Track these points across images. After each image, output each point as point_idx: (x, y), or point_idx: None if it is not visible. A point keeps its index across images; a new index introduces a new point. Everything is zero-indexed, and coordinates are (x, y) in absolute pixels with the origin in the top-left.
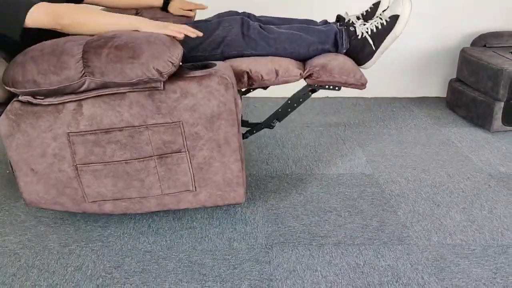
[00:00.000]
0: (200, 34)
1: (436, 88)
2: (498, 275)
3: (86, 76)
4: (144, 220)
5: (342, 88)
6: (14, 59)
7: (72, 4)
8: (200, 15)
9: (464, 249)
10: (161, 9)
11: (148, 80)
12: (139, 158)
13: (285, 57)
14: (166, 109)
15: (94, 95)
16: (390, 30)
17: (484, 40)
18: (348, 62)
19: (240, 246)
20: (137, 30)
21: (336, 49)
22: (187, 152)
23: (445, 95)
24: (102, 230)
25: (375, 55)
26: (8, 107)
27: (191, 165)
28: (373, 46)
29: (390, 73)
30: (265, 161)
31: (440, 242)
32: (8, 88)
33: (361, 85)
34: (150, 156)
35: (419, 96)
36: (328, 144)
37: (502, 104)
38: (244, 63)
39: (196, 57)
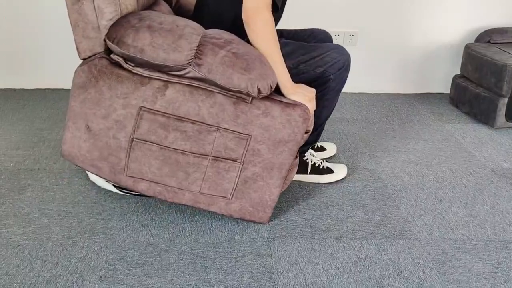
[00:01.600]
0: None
1: (439, 84)
2: (500, 269)
3: (191, 65)
4: (147, 213)
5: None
6: (127, 19)
7: (271, 22)
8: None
9: (465, 243)
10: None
11: (246, 93)
12: (196, 153)
13: (315, 113)
14: (243, 120)
15: (185, 82)
16: (320, 174)
17: (488, 36)
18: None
19: (242, 239)
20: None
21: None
22: (242, 163)
23: (448, 91)
24: (105, 223)
25: (296, 176)
26: (95, 61)
27: (239, 176)
28: (306, 170)
29: (394, 69)
30: None
31: (442, 237)
32: (109, 43)
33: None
34: (206, 155)
35: (423, 92)
36: (331, 139)
37: (506, 100)
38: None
39: (300, 70)
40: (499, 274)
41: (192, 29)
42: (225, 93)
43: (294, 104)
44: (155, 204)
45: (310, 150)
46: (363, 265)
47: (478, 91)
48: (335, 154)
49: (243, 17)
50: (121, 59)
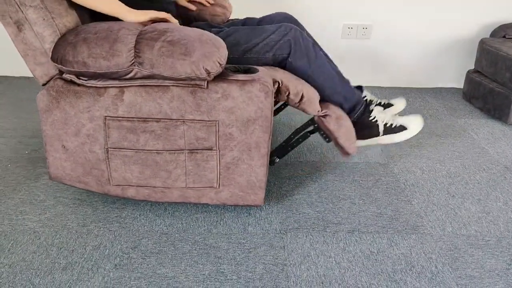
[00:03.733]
0: (174, 20)
1: (453, 79)
2: None
3: (135, 65)
4: (161, 203)
5: (358, 77)
6: (65, 37)
7: None
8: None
9: (478, 240)
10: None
11: (196, 78)
12: (171, 150)
13: (312, 84)
14: (205, 107)
15: (138, 84)
16: (393, 133)
17: (503, 31)
18: (352, 129)
19: (255, 231)
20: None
21: (349, 112)
22: (218, 150)
23: (462, 86)
24: (119, 212)
25: (367, 141)
26: (51, 83)
27: (219, 164)
28: (381, 132)
29: (407, 63)
30: None
31: (454, 233)
32: (56, 65)
33: (347, 154)
34: (181, 150)
35: (436, 86)
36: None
37: None
38: (278, 74)
39: (249, 58)
40: (511, 270)
41: (127, 30)
42: (179, 84)
43: (252, 80)
44: None
45: (378, 108)
46: (375, 259)
47: (492, 86)
48: (405, 107)
49: None
50: (72, 76)
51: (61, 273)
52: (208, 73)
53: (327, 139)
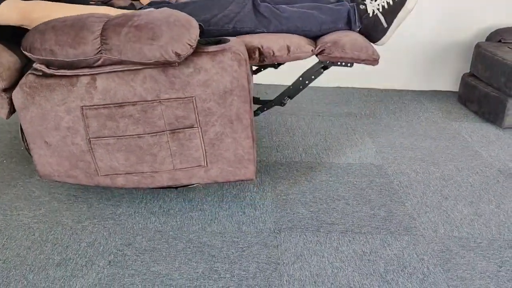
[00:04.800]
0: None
1: (448, 82)
2: (503, 268)
3: (102, 53)
4: (155, 201)
5: (354, 78)
6: (36, 26)
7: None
8: None
9: (470, 242)
10: None
11: (165, 61)
12: (152, 133)
13: (295, 34)
14: (179, 84)
15: (109, 70)
16: (403, 5)
17: (499, 35)
18: (359, 39)
19: (249, 230)
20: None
21: (349, 27)
22: (199, 127)
23: (457, 90)
24: (114, 209)
25: (388, 31)
26: (23, 80)
27: (203, 141)
28: (384, 23)
29: (402, 65)
30: (275, 148)
31: (446, 234)
32: (25, 53)
33: (374, 61)
34: (162, 131)
35: (431, 89)
36: (339, 134)
37: None
38: (255, 39)
39: (208, 31)
40: (502, 273)
41: (96, 18)
42: (149, 66)
43: (222, 50)
44: (163, 192)
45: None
46: (368, 259)
47: (487, 90)
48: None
49: (23, 23)
50: (43, 66)
51: (55, 269)
52: (178, 55)
53: (348, 65)
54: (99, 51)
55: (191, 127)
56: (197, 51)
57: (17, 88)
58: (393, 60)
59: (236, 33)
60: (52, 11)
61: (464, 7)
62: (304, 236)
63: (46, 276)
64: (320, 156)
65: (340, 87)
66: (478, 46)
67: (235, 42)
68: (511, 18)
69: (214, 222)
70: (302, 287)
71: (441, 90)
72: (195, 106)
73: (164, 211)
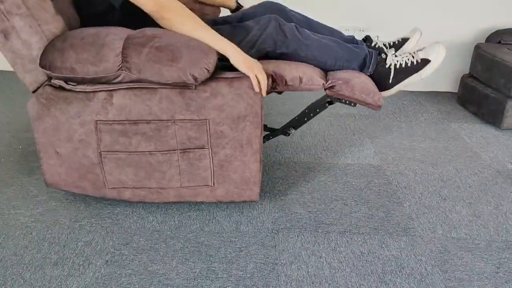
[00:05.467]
0: (264, 93)
1: (448, 83)
2: (501, 269)
3: (122, 70)
4: None
5: None
6: (53, 43)
7: (180, 3)
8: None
9: (468, 243)
10: (231, 12)
11: (182, 83)
12: (163, 151)
13: (311, 63)
14: (195, 106)
15: (126, 87)
16: (417, 71)
17: (499, 37)
18: (369, 83)
19: (247, 230)
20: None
21: (361, 69)
22: (210, 149)
23: (456, 91)
24: (112, 208)
25: (394, 88)
26: (40, 90)
27: (213, 162)
28: (391, 80)
29: None
30: (274, 148)
31: (444, 235)
32: (44, 71)
33: (377, 107)
34: (174, 150)
35: (431, 90)
36: (338, 134)
37: None
38: (270, 66)
39: None
40: (500, 274)
41: (114, 35)
42: (167, 87)
43: (240, 77)
44: None
45: (391, 51)
46: (366, 260)
47: (486, 92)
48: (421, 33)
49: (154, 15)
50: (61, 81)
51: (52, 268)
52: (195, 78)
53: (352, 104)
54: (120, 68)
55: (202, 148)
56: (215, 76)
57: (33, 99)
58: None
59: (259, 53)
60: (183, 18)
61: (464, 8)
62: (302, 237)
63: (43, 275)
64: (319, 156)
65: None
66: (477, 47)
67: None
68: (511, 19)
69: (212, 222)
70: None
71: (440, 91)
72: (208, 128)
73: (162, 210)
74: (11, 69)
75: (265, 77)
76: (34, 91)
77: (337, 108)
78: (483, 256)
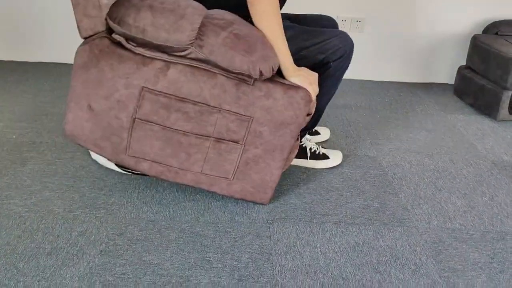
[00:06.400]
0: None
1: (444, 74)
2: (495, 260)
3: (193, 46)
4: (148, 191)
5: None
6: None
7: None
8: None
9: (463, 233)
10: None
11: (248, 75)
12: (198, 135)
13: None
14: (245, 101)
15: (186, 63)
16: (317, 160)
17: (496, 28)
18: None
19: (242, 220)
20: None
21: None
22: (243, 145)
23: (453, 82)
24: (106, 198)
25: (294, 161)
26: (96, 40)
27: (240, 158)
28: (308, 157)
29: (399, 57)
30: None
31: (439, 226)
32: (111, 23)
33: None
34: (208, 136)
35: (427, 82)
36: (334, 126)
37: (510, 93)
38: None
39: (302, 56)
40: (494, 264)
41: (194, 9)
42: (227, 75)
43: (297, 87)
44: (156, 182)
45: (306, 136)
46: (361, 250)
47: (483, 83)
48: (329, 138)
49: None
50: (122, 38)
51: (45, 258)
52: (261, 74)
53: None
54: (192, 43)
55: (236, 142)
56: (274, 79)
57: (86, 46)
58: (389, 52)
59: (321, 62)
60: (272, 17)
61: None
62: (297, 227)
63: (37, 264)
64: None
65: None
66: (474, 38)
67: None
68: (508, 10)
69: (207, 212)
70: (294, 277)
71: (437, 83)
72: (249, 126)
73: (156, 201)
74: (5, 58)
75: (317, 88)
76: (85, 38)
77: (334, 99)
78: (478, 246)
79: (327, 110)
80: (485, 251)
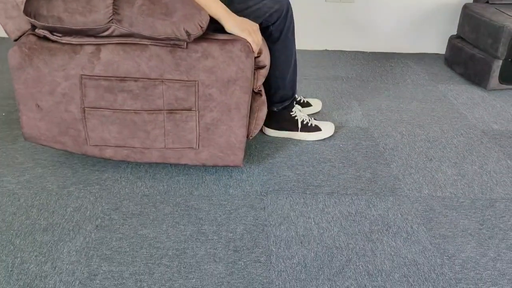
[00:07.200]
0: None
1: (435, 44)
2: (485, 226)
3: (113, 22)
4: (141, 166)
5: (341, 41)
6: None
7: None
8: None
9: (453, 201)
10: None
11: (175, 38)
12: (149, 110)
13: (274, 69)
14: (185, 67)
15: (115, 42)
16: (308, 132)
17: None
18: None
19: (236, 193)
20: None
21: (276, 101)
22: (197, 111)
23: (444, 52)
24: (100, 174)
25: (283, 133)
26: (23, 39)
27: (199, 124)
28: (298, 129)
29: (389, 28)
30: None
31: (430, 195)
32: (28, 19)
33: (246, 137)
34: (160, 110)
35: (418, 52)
36: (325, 97)
37: (501, 62)
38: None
39: None
40: (483, 230)
41: None
42: (158, 44)
43: (233, 40)
44: None
45: (298, 106)
46: (353, 220)
47: (473, 52)
48: (320, 110)
49: None
50: (46, 31)
51: (42, 234)
52: (189, 35)
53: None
54: (110, 20)
55: (189, 109)
56: (207, 37)
57: (15, 47)
58: (379, 23)
59: (263, 27)
60: None
61: None
62: (291, 198)
63: (33, 240)
64: None
65: (328, 50)
66: (465, 7)
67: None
68: None
69: (201, 186)
70: (288, 247)
71: (427, 53)
72: (196, 90)
73: (150, 175)
74: None
75: (260, 38)
76: (15, 40)
77: (324, 71)
78: (467, 213)
79: (318, 81)
80: (474, 218)
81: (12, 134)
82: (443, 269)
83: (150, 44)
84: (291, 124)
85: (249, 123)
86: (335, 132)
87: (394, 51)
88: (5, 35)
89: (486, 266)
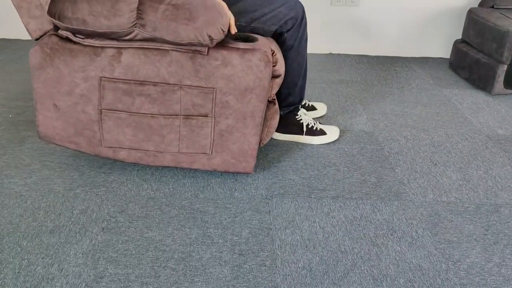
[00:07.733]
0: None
1: (440, 48)
2: (490, 232)
3: (136, 27)
4: (147, 168)
5: (346, 44)
6: None
7: None
8: None
9: (458, 206)
10: None
11: (198, 43)
12: (166, 115)
13: (286, 76)
14: (204, 73)
15: (137, 46)
16: (313, 135)
17: (492, 1)
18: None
19: (241, 196)
20: None
21: (285, 105)
22: (213, 118)
23: (448, 56)
24: (106, 176)
25: (288, 136)
26: (45, 39)
27: (214, 131)
28: (304, 132)
29: (394, 32)
30: None
31: (435, 199)
32: (52, 20)
33: (260, 144)
34: (176, 115)
35: (422, 56)
36: (330, 101)
37: (505, 67)
38: (273, 45)
39: (255, 28)
40: (489, 236)
41: None
42: (179, 49)
43: (252, 49)
44: None
45: (303, 110)
46: (358, 224)
47: (478, 57)
48: (325, 114)
49: None
50: (69, 33)
51: (48, 236)
52: (211, 39)
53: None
54: (134, 24)
55: (205, 116)
56: (227, 46)
57: (37, 47)
58: (384, 27)
59: (276, 32)
60: None
61: None
62: (296, 202)
63: (40, 242)
64: None
65: (332, 54)
66: (470, 11)
67: (264, 43)
68: None
69: (207, 189)
70: (294, 252)
71: (432, 57)
72: (214, 97)
73: (156, 178)
74: None
75: (232, 21)
76: (37, 39)
77: (329, 74)
78: (472, 219)
79: (323, 85)
80: (480, 223)
81: (20, 136)
82: (448, 274)
83: (171, 50)
84: (296, 128)
85: (262, 131)
86: (340, 136)
87: (399, 55)
88: (11, 38)
89: (491, 272)
